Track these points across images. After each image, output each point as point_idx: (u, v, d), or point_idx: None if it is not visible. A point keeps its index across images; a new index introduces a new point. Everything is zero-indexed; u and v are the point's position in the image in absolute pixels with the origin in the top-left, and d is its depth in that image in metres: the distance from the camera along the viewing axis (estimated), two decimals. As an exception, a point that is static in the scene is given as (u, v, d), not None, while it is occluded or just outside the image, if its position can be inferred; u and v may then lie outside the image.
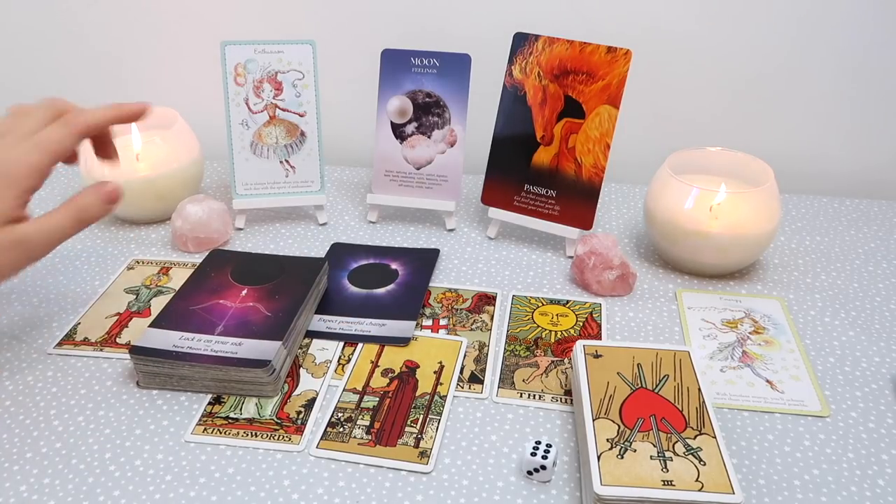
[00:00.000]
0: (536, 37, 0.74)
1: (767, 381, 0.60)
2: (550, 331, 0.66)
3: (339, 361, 0.62)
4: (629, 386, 0.54)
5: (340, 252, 0.77)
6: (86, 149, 0.79)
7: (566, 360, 0.62)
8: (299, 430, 0.55)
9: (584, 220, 0.75)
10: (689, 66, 0.88)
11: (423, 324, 0.67)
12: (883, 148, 0.91)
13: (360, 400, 0.58)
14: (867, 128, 0.90)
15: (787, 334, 0.65)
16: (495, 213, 0.78)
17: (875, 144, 0.91)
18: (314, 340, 0.64)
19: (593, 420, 0.51)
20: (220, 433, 0.55)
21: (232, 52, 0.77)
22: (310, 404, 0.58)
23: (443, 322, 0.67)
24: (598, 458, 0.48)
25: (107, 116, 0.59)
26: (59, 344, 0.64)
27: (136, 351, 0.59)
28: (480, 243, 0.79)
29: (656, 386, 0.54)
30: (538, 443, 0.52)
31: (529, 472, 0.51)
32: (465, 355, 0.63)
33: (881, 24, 0.84)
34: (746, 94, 0.89)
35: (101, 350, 0.64)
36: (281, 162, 0.80)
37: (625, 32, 0.83)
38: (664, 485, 0.46)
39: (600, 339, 0.65)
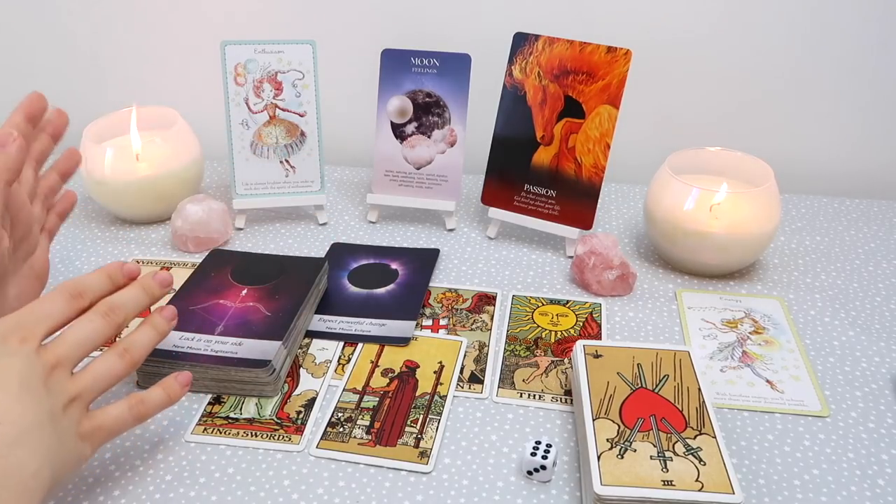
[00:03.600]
0: (536, 37, 0.74)
1: (767, 381, 0.60)
2: (550, 331, 0.66)
3: (339, 361, 0.62)
4: (629, 386, 0.54)
5: (340, 252, 0.77)
6: (86, 148, 0.79)
7: (566, 360, 0.62)
8: (299, 430, 0.55)
9: (584, 220, 0.75)
10: (690, 66, 0.88)
11: (423, 324, 0.67)
12: (883, 148, 0.91)
13: (360, 400, 0.58)
14: (867, 128, 0.90)
15: (787, 334, 0.65)
16: (495, 213, 0.78)
17: (875, 145, 0.91)
18: (314, 340, 0.64)
19: (593, 420, 0.51)
20: (220, 433, 0.55)
21: (232, 52, 0.77)
22: (310, 404, 0.58)
23: (443, 322, 0.67)
24: (598, 457, 0.48)
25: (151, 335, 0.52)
26: (59, 344, 0.64)
27: (136, 351, 0.58)
28: (480, 243, 0.79)
29: (656, 386, 0.54)
30: (538, 443, 0.52)
31: (529, 472, 0.51)
32: (465, 355, 0.63)
33: (881, 24, 0.84)
34: (747, 94, 0.89)
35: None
36: (281, 162, 0.80)
37: (625, 32, 0.83)
38: (664, 485, 0.46)
39: (600, 339, 0.65)
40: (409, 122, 0.79)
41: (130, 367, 0.50)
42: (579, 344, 0.58)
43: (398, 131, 0.80)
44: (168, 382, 0.52)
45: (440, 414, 0.57)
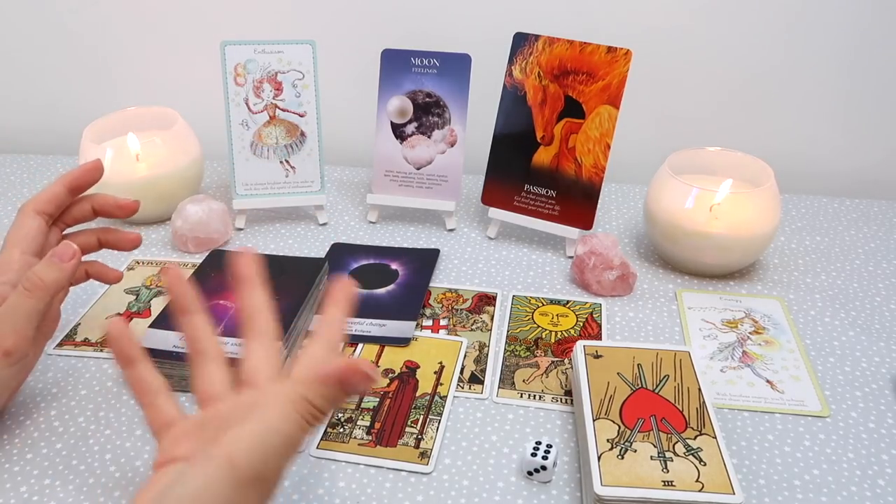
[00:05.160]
0: (536, 37, 0.74)
1: (767, 381, 0.60)
2: (550, 331, 0.66)
3: (339, 362, 0.62)
4: (629, 386, 0.54)
5: (340, 252, 0.77)
6: (86, 148, 0.79)
7: (566, 361, 0.62)
8: (299, 431, 0.55)
9: (584, 220, 0.75)
10: (690, 66, 0.88)
11: (424, 324, 0.67)
12: (883, 147, 0.91)
13: (361, 400, 0.58)
14: (867, 127, 0.90)
15: (787, 334, 0.65)
16: (495, 213, 0.78)
17: (875, 144, 0.91)
18: (314, 341, 0.64)
19: (593, 420, 0.51)
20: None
21: (232, 52, 0.77)
22: (310, 405, 0.58)
23: (443, 322, 0.67)
24: (599, 458, 0.48)
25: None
26: (60, 344, 0.64)
27: (136, 351, 0.58)
28: (480, 243, 0.79)
29: (656, 386, 0.54)
30: (538, 443, 0.52)
31: (530, 473, 0.51)
32: (465, 355, 0.63)
33: (880, 22, 0.84)
34: (746, 93, 0.89)
35: (102, 351, 0.64)
36: (281, 162, 0.80)
37: (625, 32, 0.83)
38: (664, 485, 0.46)
39: (600, 339, 0.65)
40: (409, 122, 0.79)
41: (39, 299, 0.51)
42: (579, 344, 0.58)
43: (398, 131, 0.80)
44: (58, 249, 0.52)
45: (440, 414, 0.57)
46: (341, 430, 0.55)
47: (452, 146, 0.79)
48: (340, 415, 0.57)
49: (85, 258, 0.58)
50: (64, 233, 0.61)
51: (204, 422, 0.42)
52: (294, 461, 0.40)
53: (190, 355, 0.46)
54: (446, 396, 0.58)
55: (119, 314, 0.68)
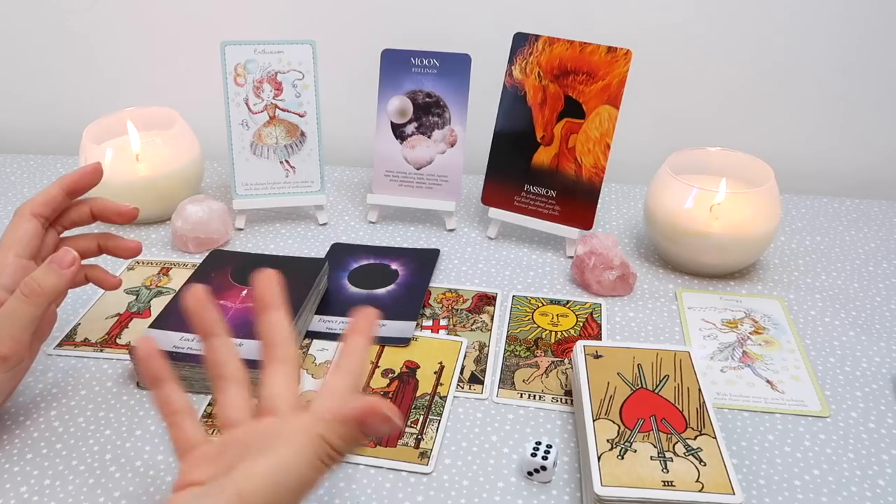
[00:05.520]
0: (536, 37, 0.74)
1: (768, 381, 0.60)
2: (551, 331, 0.66)
3: (339, 362, 0.62)
4: (629, 386, 0.54)
5: (340, 252, 0.77)
6: (86, 148, 0.79)
7: (566, 361, 0.62)
8: (299, 431, 0.55)
9: (584, 220, 0.75)
10: (690, 67, 0.88)
11: (424, 324, 0.67)
12: (883, 147, 0.91)
13: (361, 400, 0.58)
14: (866, 127, 0.90)
15: (787, 334, 0.65)
16: (495, 213, 0.78)
17: (875, 144, 0.91)
18: (314, 341, 0.64)
19: (593, 420, 0.51)
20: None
21: (232, 52, 0.77)
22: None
23: (443, 322, 0.67)
24: (599, 458, 0.48)
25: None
26: (60, 345, 0.64)
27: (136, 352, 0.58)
28: (480, 243, 0.79)
29: (656, 386, 0.54)
30: (538, 443, 0.52)
31: (530, 473, 0.51)
32: (465, 356, 0.63)
33: (879, 22, 0.84)
34: (746, 93, 0.89)
35: (102, 351, 0.64)
36: (281, 162, 0.80)
37: (625, 32, 0.83)
38: (664, 485, 0.46)
39: (600, 339, 0.65)
40: (409, 122, 0.79)
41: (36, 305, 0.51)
42: (579, 344, 0.58)
43: (398, 131, 0.80)
44: (58, 255, 0.52)
45: (440, 414, 0.57)
46: (341, 430, 0.55)
47: (452, 146, 0.79)
48: (340, 415, 0.57)
49: (84, 262, 0.58)
50: (63, 236, 0.60)
51: (223, 447, 0.42)
52: (308, 499, 0.39)
53: (212, 379, 0.45)
54: (446, 396, 0.58)
55: (119, 314, 0.68)
